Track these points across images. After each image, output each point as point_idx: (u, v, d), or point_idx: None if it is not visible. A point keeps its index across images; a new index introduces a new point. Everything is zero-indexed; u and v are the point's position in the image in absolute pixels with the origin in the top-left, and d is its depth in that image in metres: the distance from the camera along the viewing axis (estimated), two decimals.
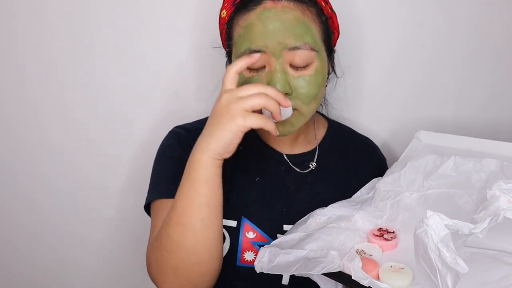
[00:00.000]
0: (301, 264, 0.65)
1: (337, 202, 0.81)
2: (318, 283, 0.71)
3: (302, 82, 0.75)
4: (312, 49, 0.75)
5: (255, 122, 0.66)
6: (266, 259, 0.69)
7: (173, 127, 0.91)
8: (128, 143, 1.11)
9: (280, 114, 0.69)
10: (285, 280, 0.82)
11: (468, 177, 0.72)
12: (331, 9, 0.83)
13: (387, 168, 0.98)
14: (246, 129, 0.66)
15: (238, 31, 0.77)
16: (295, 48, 0.73)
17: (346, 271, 0.60)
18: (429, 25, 1.04)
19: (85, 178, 1.14)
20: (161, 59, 1.06)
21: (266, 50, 0.73)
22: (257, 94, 0.66)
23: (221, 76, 0.98)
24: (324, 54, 0.79)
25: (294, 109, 0.76)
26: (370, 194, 0.82)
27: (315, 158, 0.90)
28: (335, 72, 0.92)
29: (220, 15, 0.83)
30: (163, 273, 0.72)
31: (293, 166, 0.88)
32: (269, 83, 0.74)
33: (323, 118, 0.99)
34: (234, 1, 0.77)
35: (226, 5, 0.80)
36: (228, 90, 0.68)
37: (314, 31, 0.77)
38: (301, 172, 0.88)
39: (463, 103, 1.10)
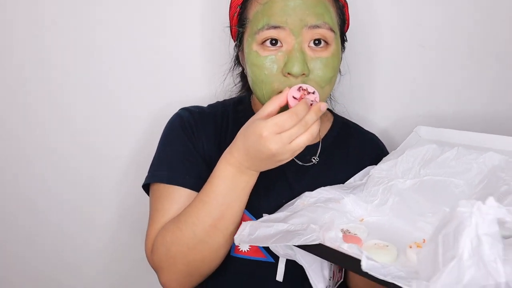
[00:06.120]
0: (280, 236, 0.62)
1: (328, 186, 0.78)
2: (303, 265, 0.66)
3: (319, 64, 0.72)
4: (331, 29, 0.73)
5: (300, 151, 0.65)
6: (247, 232, 0.67)
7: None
8: (128, 143, 1.08)
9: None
10: (279, 277, 0.78)
11: (469, 168, 0.68)
12: None
13: None
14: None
15: (255, 9, 0.74)
16: (315, 26, 0.71)
17: (327, 244, 0.56)
18: (429, 25, 1.03)
19: (84, 178, 1.10)
20: (159, 58, 1.03)
21: (285, 27, 0.70)
22: (303, 134, 0.64)
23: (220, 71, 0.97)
24: (339, 39, 0.77)
25: None
26: (364, 181, 0.78)
27: (318, 152, 0.87)
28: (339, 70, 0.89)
29: (231, 2, 0.81)
30: (173, 264, 0.72)
31: (294, 159, 0.84)
32: (287, 63, 0.71)
33: (329, 112, 0.96)
34: None
35: None
36: (277, 141, 0.63)
37: (332, 14, 0.75)
38: (303, 165, 0.84)
39: (463, 101, 1.08)
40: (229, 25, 0.84)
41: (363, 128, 0.97)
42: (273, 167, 0.68)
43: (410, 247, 0.56)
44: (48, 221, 1.12)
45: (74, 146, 1.07)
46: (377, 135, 0.97)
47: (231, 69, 0.92)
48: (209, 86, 1.03)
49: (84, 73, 1.02)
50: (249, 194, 0.72)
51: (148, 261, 0.76)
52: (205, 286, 0.82)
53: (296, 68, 0.70)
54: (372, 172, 0.77)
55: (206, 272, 0.74)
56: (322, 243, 0.57)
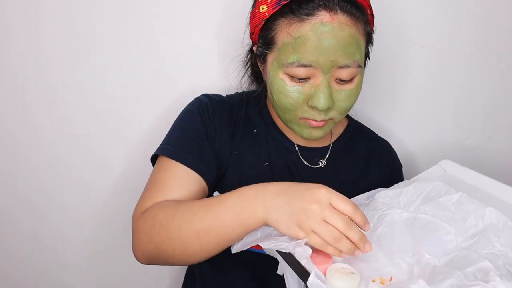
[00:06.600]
0: (259, 238, 0.65)
1: None
2: (281, 265, 0.70)
3: (344, 95, 0.75)
4: (359, 66, 0.74)
5: (314, 243, 0.61)
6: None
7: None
8: (127, 144, 1.08)
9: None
10: (280, 271, 0.77)
11: (465, 218, 0.68)
12: (372, 15, 0.79)
13: (400, 175, 0.95)
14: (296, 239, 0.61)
15: (285, 38, 0.73)
16: (345, 66, 0.72)
17: (296, 256, 0.60)
18: (428, 25, 1.02)
19: (84, 179, 1.10)
20: (161, 59, 1.02)
21: (316, 66, 0.71)
22: (342, 235, 0.60)
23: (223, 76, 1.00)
24: (363, 66, 0.78)
25: (329, 119, 0.77)
26: (367, 201, 0.80)
27: (327, 156, 0.89)
28: None
29: (256, 8, 0.78)
30: (148, 241, 0.72)
31: (302, 159, 0.87)
32: (313, 97, 0.73)
33: (345, 116, 0.96)
34: (280, 1, 0.73)
35: (268, 0, 0.75)
36: (330, 209, 0.60)
37: (362, 47, 0.75)
38: (309, 167, 0.86)
39: (464, 102, 1.07)
40: (249, 28, 0.83)
41: (377, 135, 0.98)
42: (290, 228, 0.62)
43: (374, 281, 0.58)
44: (48, 221, 1.12)
45: (74, 146, 1.07)
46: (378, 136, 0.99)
47: (244, 65, 0.93)
48: (223, 83, 1.03)
49: (88, 71, 1.01)
50: (241, 236, 0.67)
51: (132, 221, 0.76)
52: (205, 277, 0.85)
53: (322, 105, 0.73)
54: (377, 195, 0.78)
55: (171, 263, 0.73)
56: (291, 252, 0.60)
